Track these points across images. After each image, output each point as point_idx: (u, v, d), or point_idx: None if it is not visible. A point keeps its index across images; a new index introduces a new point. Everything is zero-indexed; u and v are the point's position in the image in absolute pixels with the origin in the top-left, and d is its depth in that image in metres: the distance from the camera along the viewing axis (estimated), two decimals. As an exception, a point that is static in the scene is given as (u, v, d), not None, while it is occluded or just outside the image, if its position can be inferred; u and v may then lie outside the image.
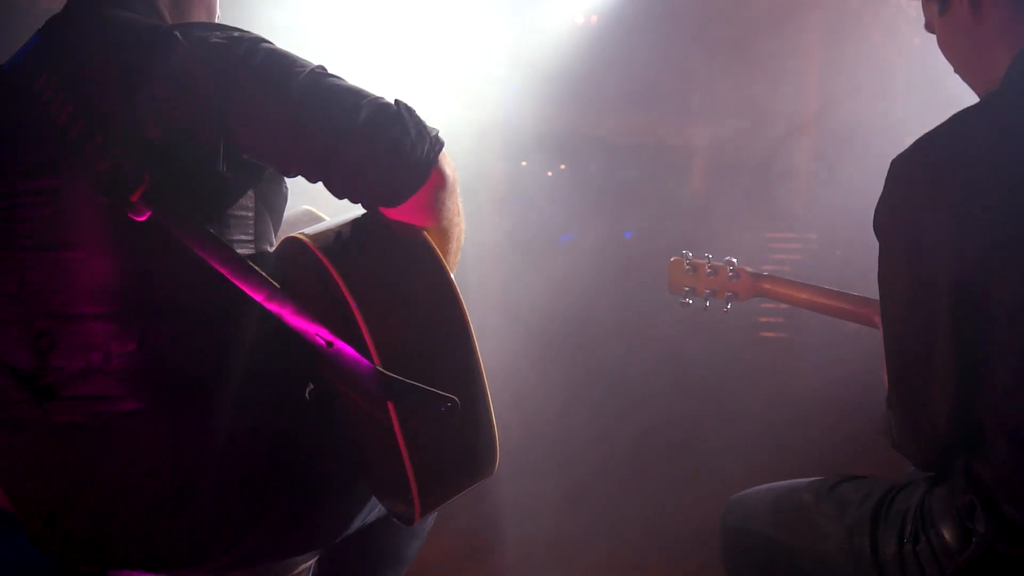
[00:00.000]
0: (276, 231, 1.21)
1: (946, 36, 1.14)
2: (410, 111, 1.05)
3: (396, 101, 1.05)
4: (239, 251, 1.07)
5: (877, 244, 1.24)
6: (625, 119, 5.92)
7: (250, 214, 1.10)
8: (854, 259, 5.00)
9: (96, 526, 1.08)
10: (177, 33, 1.03)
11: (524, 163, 5.92)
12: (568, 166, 6.19)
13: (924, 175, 0.96)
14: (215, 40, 1.02)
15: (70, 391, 1.05)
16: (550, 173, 6.32)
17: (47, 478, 1.09)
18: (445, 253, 1.13)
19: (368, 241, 1.09)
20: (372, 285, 1.04)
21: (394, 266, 1.08)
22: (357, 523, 1.24)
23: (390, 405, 1.01)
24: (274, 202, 1.17)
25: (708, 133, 5.88)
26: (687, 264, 1.61)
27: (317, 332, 1.01)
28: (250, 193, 1.10)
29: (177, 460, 1.04)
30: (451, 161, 1.09)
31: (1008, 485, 0.90)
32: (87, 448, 1.06)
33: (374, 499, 1.22)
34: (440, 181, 1.05)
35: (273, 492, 1.10)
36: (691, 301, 1.61)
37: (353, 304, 1.01)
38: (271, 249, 1.16)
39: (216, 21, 1.29)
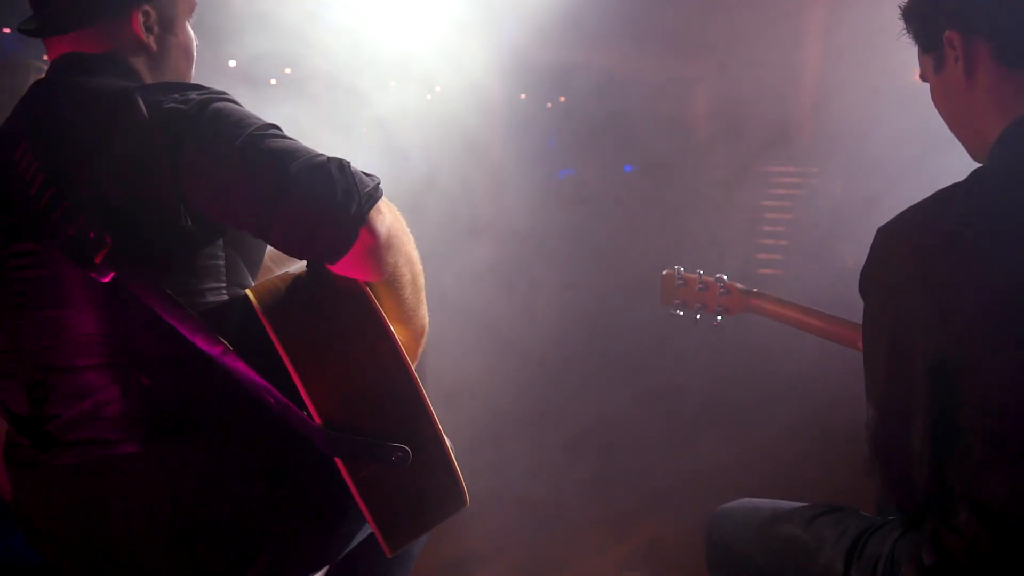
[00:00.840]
0: (257, 270, 1.22)
1: (939, 93, 1.13)
2: (342, 168, 1.05)
3: (328, 159, 1.05)
4: (212, 299, 1.11)
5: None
6: (626, 52, 5.77)
7: (220, 262, 1.12)
8: (855, 195, 4.96)
9: (104, 559, 1.13)
10: (138, 97, 1.05)
11: (523, 96, 5.80)
12: (567, 99, 6.07)
13: (906, 257, 0.97)
14: (169, 104, 1.05)
15: (70, 437, 1.10)
16: (549, 104, 6.21)
17: (57, 514, 1.14)
18: (398, 301, 1.15)
19: (306, 297, 1.11)
20: (307, 342, 1.07)
21: (330, 321, 1.09)
22: (359, 538, 1.30)
23: (338, 460, 1.05)
24: (249, 244, 1.18)
25: (708, 68, 5.75)
26: (679, 278, 1.62)
27: (266, 389, 1.05)
28: (219, 241, 1.12)
29: (175, 497, 1.09)
30: (387, 217, 1.09)
31: (971, 555, 0.94)
32: (91, 488, 1.11)
33: None
34: (371, 240, 1.04)
35: (273, 521, 1.14)
36: (682, 313, 1.63)
37: (288, 362, 1.04)
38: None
39: (193, 65, 1.30)
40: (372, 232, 1.04)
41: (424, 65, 3.69)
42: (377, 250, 1.06)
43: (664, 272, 1.65)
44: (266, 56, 3.01)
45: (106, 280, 1.03)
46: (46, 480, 1.13)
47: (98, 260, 1.01)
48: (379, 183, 1.09)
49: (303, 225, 1.02)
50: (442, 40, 3.69)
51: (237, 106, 1.10)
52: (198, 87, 1.10)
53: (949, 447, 0.94)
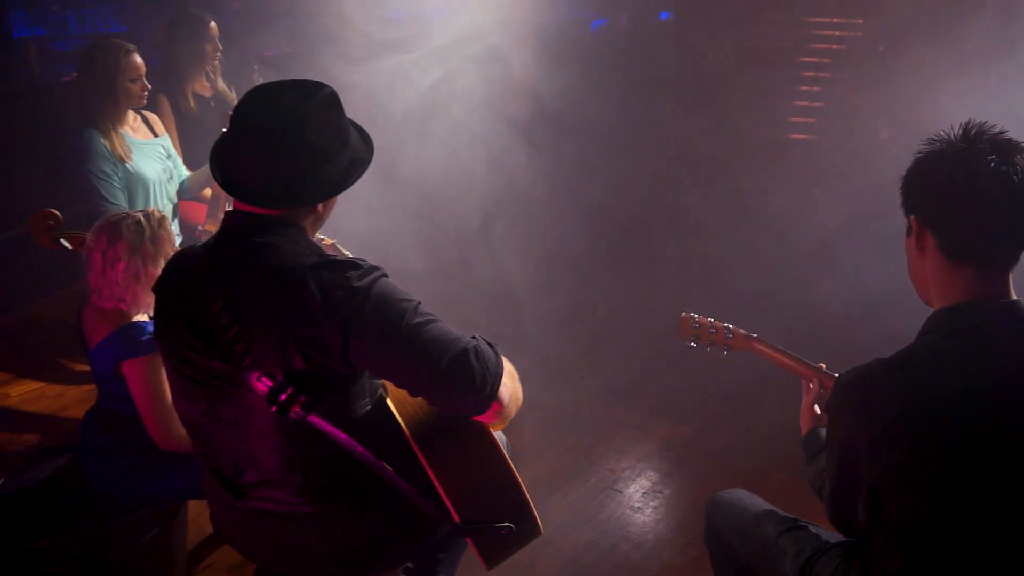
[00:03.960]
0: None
1: (907, 251, 1.39)
2: (477, 355, 1.42)
3: (466, 348, 1.41)
4: (361, 411, 1.50)
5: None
6: None
7: (365, 384, 1.51)
8: (898, 54, 4.95)
9: (283, 564, 1.64)
10: (311, 283, 1.37)
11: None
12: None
13: (852, 414, 1.31)
14: (339, 293, 1.37)
15: (260, 494, 1.55)
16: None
17: (246, 535, 1.64)
18: (503, 422, 1.56)
19: (443, 427, 1.54)
20: (445, 461, 1.51)
21: (459, 444, 1.54)
22: (435, 540, 1.77)
23: (468, 539, 1.53)
24: None
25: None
26: (694, 322, 1.98)
27: (424, 503, 1.50)
28: (366, 372, 1.50)
29: (332, 537, 1.57)
30: (509, 384, 1.48)
31: None
32: (274, 526, 1.57)
33: None
34: (499, 407, 1.47)
35: (386, 545, 1.63)
36: (695, 345, 2.02)
37: (432, 476, 1.49)
38: (381, 391, 1.57)
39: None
40: (500, 402, 1.46)
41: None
42: (502, 411, 1.48)
43: (682, 315, 2.02)
44: None
45: (296, 418, 1.40)
46: (239, 515, 1.60)
47: (294, 410, 1.39)
48: (499, 353, 1.47)
49: (451, 401, 1.45)
50: None
51: (389, 283, 1.42)
52: (354, 265, 1.40)
53: (874, 526, 1.38)
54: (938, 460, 1.25)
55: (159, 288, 1.58)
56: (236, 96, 3.54)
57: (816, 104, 5.66)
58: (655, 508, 2.85)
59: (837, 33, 5.61)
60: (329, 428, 1.42)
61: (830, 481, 1.44)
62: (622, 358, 3.74)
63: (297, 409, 1.39)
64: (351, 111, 1.58)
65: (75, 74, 4.16)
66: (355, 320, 1.38)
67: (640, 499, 2.90)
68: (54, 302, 4.14)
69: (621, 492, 2.93)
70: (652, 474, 3.04)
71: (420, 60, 3.86)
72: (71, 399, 3.29)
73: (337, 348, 1.39)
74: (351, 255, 2.05)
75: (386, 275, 1.44)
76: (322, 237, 2.18)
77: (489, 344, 1.48)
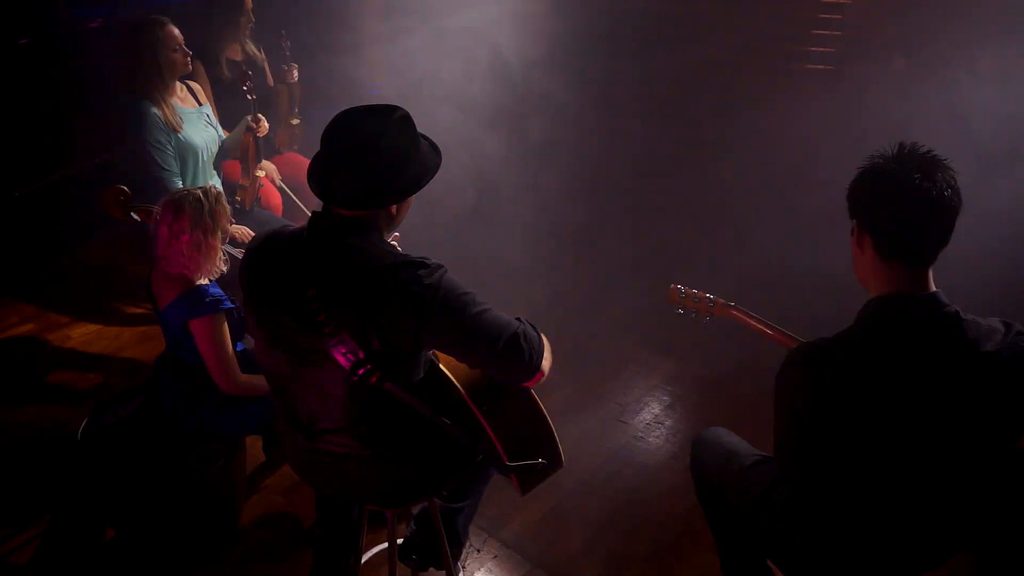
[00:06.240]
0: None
1: (852, 246, 1.70)
2: (526, 337, 1.80)
3: (515, 332, 1.78)
4: (419, 377, 1.87)
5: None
6: None
7: (423, 356, 1.87)
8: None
9: (344, 493, 2.07)
10: (390, 281, 1.71)
11: None
12: None
13: (802, 382, 1.62)
14: (413, 289, 1.70)
15: (328, 439, 1.93)
16: None
17: (316, 471, 2.04)
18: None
19: (492, 386, 1.95)
20: (494, 411, 1.92)
21: (505, 397, 1.95)
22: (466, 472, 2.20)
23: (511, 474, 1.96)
24: None
25: None
26: (681, 292, 2.38)
27: (476, 445, 1.91)
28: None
29: (389, 476, 1.98)
30: (548, 356, 1.88)
31: (809, 518, 1.79)
32: (339, 464, 1.97)
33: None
34: (540, 376, 1.86)
35: (425, 480, 2.03)
36: (683, 312, 2.41)
37: (484, 424, 1.90)
38: (432, 359, 1.96)
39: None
40: (542, 372, 1.86)
41: None
42: (542, 379, 1.88)
43: (670, 287, 2.41)
44: None
45: (371, 385, 1.75)
46: (310, 454, 2.01)
47: (372, 381, 1.75)
48: (540, 333, 1.86)
49: (506, 374, 1.84)
50: None
51: (452, 279, 1.75)
52: (424, 264, 1.73)
53: (813, 473, 1.73)
54: (865, 421, 1.62)
55: (247, 267, 1.90)
56: (265, 57, 3.86)
57: (836, 33, 5.68)
58: (656, 437, 3.28)
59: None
60: (399, 393, 1.81)
61: (776, 437, 1.79)
62: (630, 300, 4.08)
63: (373, 380, 1.77)
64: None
65: (101, 19, 4.47)
66: (427, 312, 1.72)
67: (643, 429, 3.32)
68: (96, 247, 4.51)
69: (627, 423, 3.35)
70: (655, 406, 3.45)
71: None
72: (128, 340, 3.74)
73: (410, 334, 1.74)
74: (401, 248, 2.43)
75: (447, 271, 1.78)
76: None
77: (531, 325, 1.85)
